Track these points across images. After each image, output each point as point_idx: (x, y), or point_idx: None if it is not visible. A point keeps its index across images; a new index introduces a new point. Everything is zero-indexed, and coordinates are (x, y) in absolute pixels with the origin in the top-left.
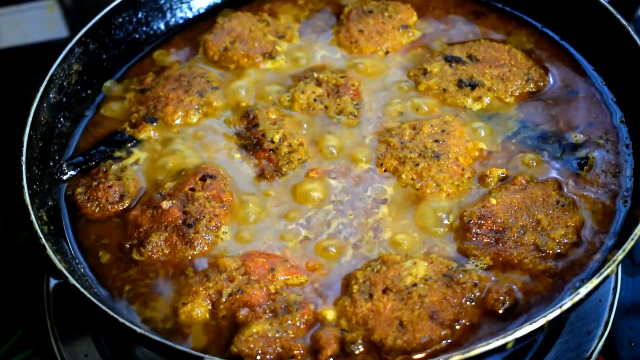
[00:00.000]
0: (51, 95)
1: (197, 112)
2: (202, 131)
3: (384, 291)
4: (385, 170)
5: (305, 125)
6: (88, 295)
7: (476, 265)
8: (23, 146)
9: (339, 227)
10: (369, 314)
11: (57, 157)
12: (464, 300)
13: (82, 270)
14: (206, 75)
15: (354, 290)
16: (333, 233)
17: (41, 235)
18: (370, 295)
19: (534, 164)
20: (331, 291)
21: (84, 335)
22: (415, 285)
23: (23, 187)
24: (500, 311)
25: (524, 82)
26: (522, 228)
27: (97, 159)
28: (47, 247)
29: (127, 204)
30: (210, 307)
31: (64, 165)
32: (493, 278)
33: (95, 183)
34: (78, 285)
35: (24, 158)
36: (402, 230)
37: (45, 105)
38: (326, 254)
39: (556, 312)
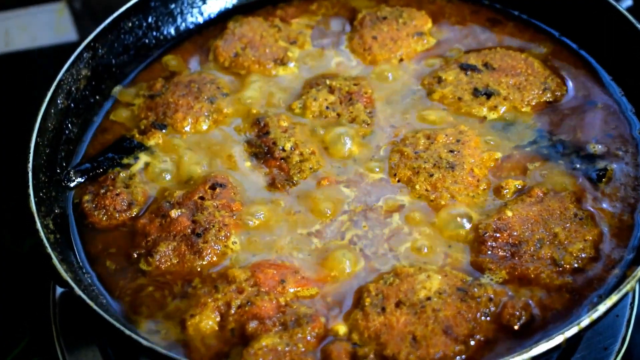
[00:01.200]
0: (59, 101)
1: (207, 119)
2: (212, 139)
3: (397, 305)
4: (398, 181)
5: (317, 134)
6: (94, 307)
7: (491, 279)
8: (30, 152)
9: (354, 239)
10: (382, 328)
11: (64, 164)
12: (478, 315)
13: (88, 280)
14: (216, 82)
15: (367, 304)
16: (346, 245)
17: (47, 244)
18: (383, 309)
19: (551, 175)
20: (343, 304)
21: (90, 345)
22: (429, 299)
23: (29, 195)
24: (516, 327)
25: (540, 92)
26: (538, 242)
27: (105, 166)
28: (53, 256)
29: (135, 213)
30: (218, 319)
31: (71, 172)
32: (509, 293)
33: (103, 191)
34: (84, 296)
35: (30, 165)
36: (416, 243)
37: (53, 110)
38: (338, 266)
39: (574, 330)
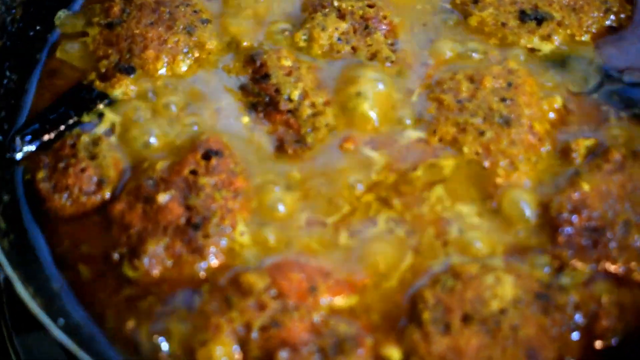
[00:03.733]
0: None
1: (186, 58)
2: (196, 84)
3: (464, 319)
4: (440, 140)
5: (329, 76)
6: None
7: (573, 278)
8: None
9: (390, 224)
10: (448, 353)
11: (5, 127)
12: (564, 329)
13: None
14: (192, 3)
15: (425, 319)
16: (381, 232)
17: (4, 260)
18: (447, 326)
19: (628, 129)
20: (393, 317)
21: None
22: (503, 311)
23: None
24: (613, 343)
25: (601, 14)
26: (624, 224)
27: (59, 125)
28: (19, 286)
29: (108, 194)
30: (238, 347)
31: (17, 138)
32: (599, 297)
33: (62, 165)
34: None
35: None
36: (471, 227)
37: None
38: (377, 263)
39: None
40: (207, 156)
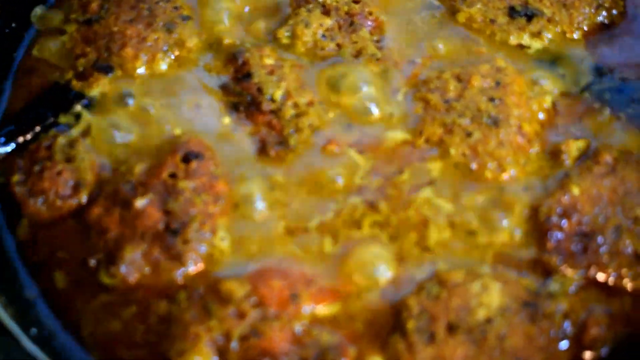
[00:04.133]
0: None
1: (166, 56)
2: (176, 84)
3: (450, 329)
4: (426, 142)
5: (313, 75)
6: None
7: (562, 285)
8: None
9: (375, 229)
10: None
11: None
12: (552, 338)
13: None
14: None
15: (409, 328)
16: (365, 238)
17: None
18: (432, 336)
19: (619, 130)
20: (377, 326)
21: None
22: (490, 321)
23: None
24: (602, 353)
25: (593, 10)
26: (615, 229)
27: (35, 127)
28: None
29: (85, 197)
30: (217, 358)
31: None
32: (588, 305)
33: (37, 168)
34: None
35: None
36: (457, 232)
37: None
38: (361, 270)
39: None
40: (186, 159)
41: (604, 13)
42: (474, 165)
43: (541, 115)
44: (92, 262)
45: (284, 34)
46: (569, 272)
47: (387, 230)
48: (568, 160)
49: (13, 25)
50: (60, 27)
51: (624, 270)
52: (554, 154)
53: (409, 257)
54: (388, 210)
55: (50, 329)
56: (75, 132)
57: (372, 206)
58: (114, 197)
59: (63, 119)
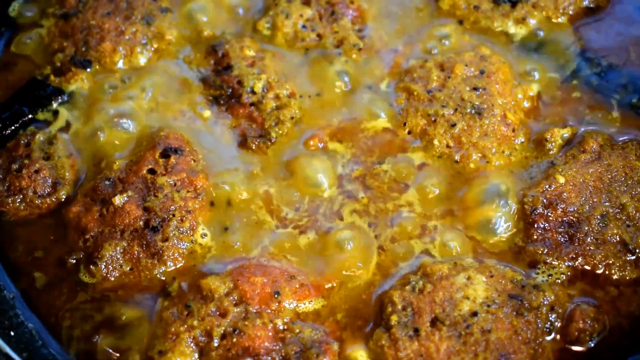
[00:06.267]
0: None
1: (145, 50)
2: (156, 77)
3: (433, 323)
4: (409, 132)
5: (294, 66)
6: None
7: (549, 277)
8: None
9: (354, 218)
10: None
11: None
12: (539, 332)
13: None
14: None
15: (393, 322)
16: (347, 234)
17: None
18: (416, 331)
19: (606, 116)
20: (359, 319)
21: None
22: (475, 314)
23: None
24: (589, 345)
25: None
26: (602, 217)
27: (13, 124)
28: None
29: (63, 196)
30: (198, 356)
31: None
32: (574, 296)
33: (15, 166)
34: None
35: None
36: (441, 225)
37: None
38: (343, 263)
39: None
40: (165, 154)
41: None
42: (457, 157)
43: (526, 104)
44: (71, 261)
45: (264, 25)
46: (555, 263)
47: (366, 220)
48: (553, 149)
49: None
50: (38, 21)
51: (610, 260)
52: (538, 143)
53: (391, 248)
54: (368, 200)
55: (30, 329)
56: (53, 128)
57: (352, 196)
58: (93, 194)
59: (41, 115)
